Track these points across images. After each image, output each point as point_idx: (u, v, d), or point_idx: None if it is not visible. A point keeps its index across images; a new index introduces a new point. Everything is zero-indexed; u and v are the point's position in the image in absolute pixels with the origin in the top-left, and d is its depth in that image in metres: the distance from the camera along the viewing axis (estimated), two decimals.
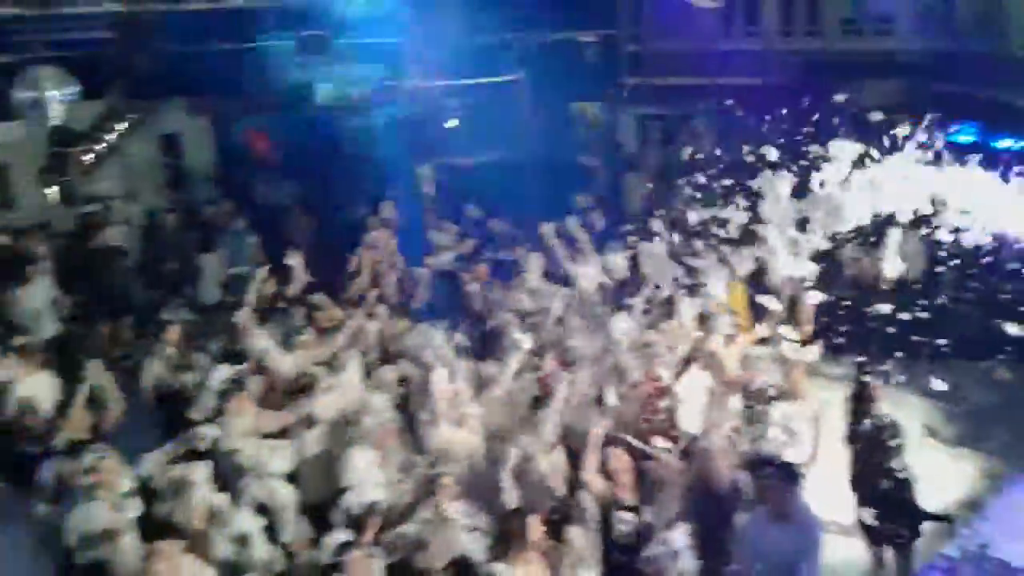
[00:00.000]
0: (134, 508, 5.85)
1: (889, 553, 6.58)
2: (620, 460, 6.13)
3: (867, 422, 6.64)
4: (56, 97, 11.30)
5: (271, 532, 6.03)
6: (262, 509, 6.10)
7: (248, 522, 5.82)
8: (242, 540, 5.64)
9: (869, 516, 6.51)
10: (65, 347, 8.85)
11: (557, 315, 8.36)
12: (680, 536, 5.34)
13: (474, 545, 5.67)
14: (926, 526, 6.52)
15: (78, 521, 5.70)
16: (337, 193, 14.02)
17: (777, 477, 5.50)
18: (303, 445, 6.79)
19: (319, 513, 6.34)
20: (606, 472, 6.11)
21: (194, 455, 6.29)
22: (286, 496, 6.27)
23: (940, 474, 7.68)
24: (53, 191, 14.23)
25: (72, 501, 5.86)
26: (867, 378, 7.04)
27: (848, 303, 10.55)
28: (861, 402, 6.82)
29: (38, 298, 9.92)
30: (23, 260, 10.31)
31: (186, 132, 15.95)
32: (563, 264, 9.46)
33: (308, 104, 15.82)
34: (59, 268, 10.57)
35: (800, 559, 5.37)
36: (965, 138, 14.90)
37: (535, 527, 5.53)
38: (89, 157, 14.39)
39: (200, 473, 5.86)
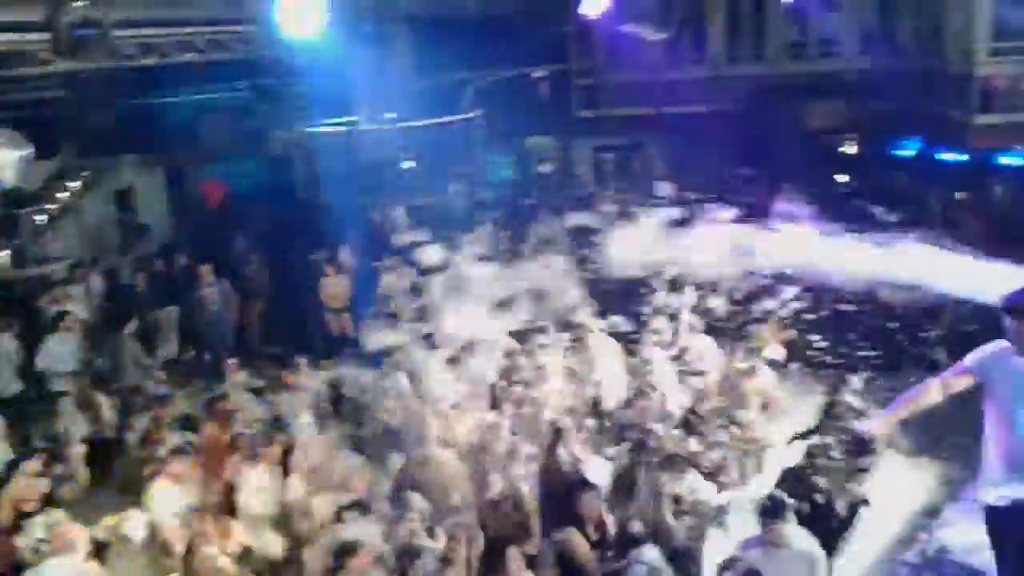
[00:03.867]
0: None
1: None
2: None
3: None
4: (11, 160, 11.05)
5: None
6: None
7: None
8: None
9: None
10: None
11: None
12: (655, 553, 5.38)
13: None
14: None
15: None
16: (293, 240, 14.01)
17: (766, 510, 5.50)
18: None
19: None
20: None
21: None
22: None
23: (900, 483, 7.77)
24: (4, 254, 14.08)
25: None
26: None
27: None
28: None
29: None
30: None
31: (140, 187, 15.94)
32: None
33: (262, 153, 15.88)
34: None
35: None
36: (908, 152, 15.30)
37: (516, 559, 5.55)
38: (41, 218, 14.27)
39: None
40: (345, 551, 5.37)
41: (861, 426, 4.94)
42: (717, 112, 16.52)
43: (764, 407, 8.41)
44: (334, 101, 15.32)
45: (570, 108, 18.42)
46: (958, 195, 15.04)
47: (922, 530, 6.54)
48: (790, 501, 5.63)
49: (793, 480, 6.71)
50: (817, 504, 6.63)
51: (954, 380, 4.65)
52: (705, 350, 9.40)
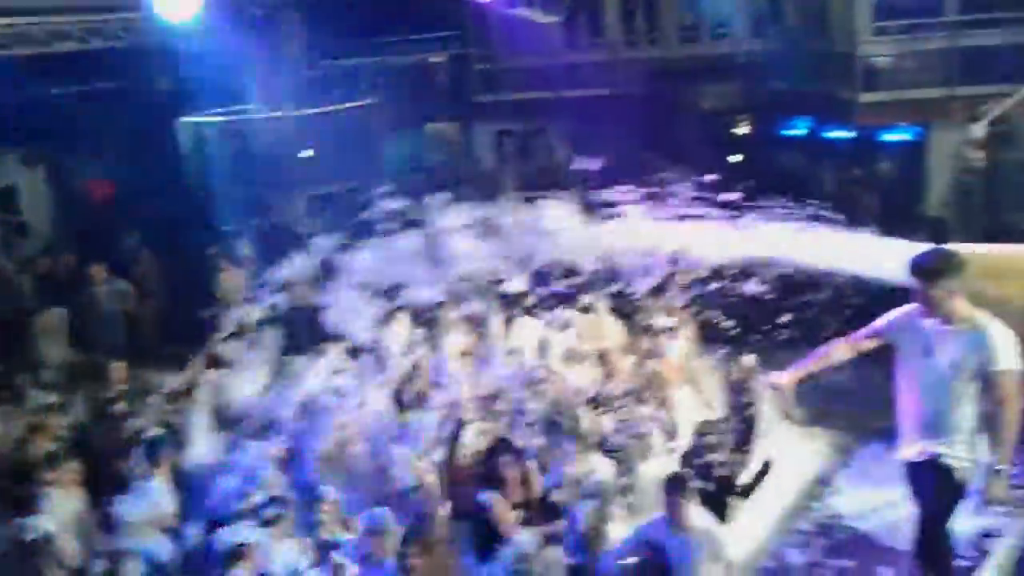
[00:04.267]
0: None
1: None
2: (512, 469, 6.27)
3: None
4: None
5: None
6: None
7: None
8: None
9: None
10: None
11: None
12: (527, 537, 5.43)
13: None
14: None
15: None
16: (187, 235, 13.59)
17: (669, 489, 5.57)
18: None
19: None
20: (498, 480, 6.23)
21: None
22: None
23: (794, 453, 8.04)
24: None
25: None
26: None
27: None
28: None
29: None
30: None
31: (22, 184, 15.22)
32: None
33: (150, 145, 15.31)
34: None
35: (697, 567, 5.48)
36: (799, 131, 15.76)
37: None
38: None
39: None
40: (234, 556, 5.25)
41: (770, 377, 5.04)
42: (615, 95, 16.68)
43: (676, 383, 8.55)
44: (226, 89, 14.91)
45: (469, 93, 18.35)
46: (846, 172, 15.55)
47: (814, 499, 6.76)
48: (692, 480, 5.75)
49: (691, 458, 6.88)
50: (720, 478, 6.83)
51: (864, 340, 4.83)
52: (609, 331, 9.51)
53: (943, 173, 13.84)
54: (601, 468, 6.77)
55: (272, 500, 6.11)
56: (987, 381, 4.37)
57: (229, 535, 5.53)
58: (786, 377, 4.91)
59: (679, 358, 8.83)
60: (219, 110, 14.58)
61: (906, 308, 4.67)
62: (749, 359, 7.97)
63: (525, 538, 5.48)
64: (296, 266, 11.03)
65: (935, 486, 4.64)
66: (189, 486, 6.87)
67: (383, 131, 16.08)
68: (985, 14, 13.02)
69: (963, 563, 4.88)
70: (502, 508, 6.14)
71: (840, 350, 4.88)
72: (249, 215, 13.97)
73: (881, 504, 6.35)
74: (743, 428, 7.70)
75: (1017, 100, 10.22)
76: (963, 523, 4.81)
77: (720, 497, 7.02)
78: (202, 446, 7.05)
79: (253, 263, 12.97)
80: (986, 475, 4.42)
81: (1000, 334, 4.40)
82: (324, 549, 5.94)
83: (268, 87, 15.12)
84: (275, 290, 10.10)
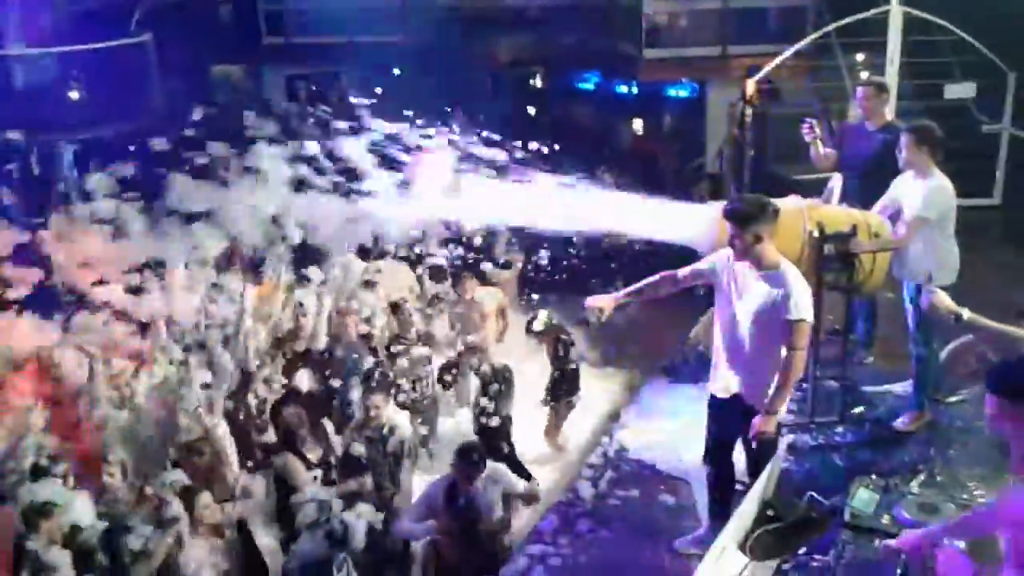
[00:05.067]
0: None
1: None
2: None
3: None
4: None
5: None
6: None
7: None
8: None
9: None
10: None
11: None
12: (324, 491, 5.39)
13: None
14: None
15: None
16: None
17: (461, 457, 5.58)
18: None
19: None
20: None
21: None
22: None
23: (590, 393, 8.39)
24: None
25: None
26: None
27: None
28: None
29: None
30: None
31: None
32: None
33: None
34: None
35: (478, 522, 5.58)
36: (588, 85, 16.21)
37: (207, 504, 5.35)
38: None
39: None
40: (38, 512, 4.88)
41: (591, 300, 5.14)
42: (409, 43, 16.41)
43: (482, 334, 8.59)
44: None
45: (257, 34, 17.42)
46: (632, 126, 16.20)
47: (605, 434, 7.06)
48: (482, 449, 5.87)
49: (480, 409, 7.16)
50: (489, 427, 7.21)
51: (687, 277, 5.01)
52: (407, 280, 9.42)
53: (719, 128, 14.71)
54: (401, 419, 6.74)
55: (51, 460, 5.71)
56: (781, 328, 4.61)
57: (27, 494, 5.12)
58: (607, 300, 5.05)
59: (488, 309, 8.88)
60: None
61: (727, 251, 4.87)
62: (544, 313, 8.13)
63: (319, 489, 5.40)
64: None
65: (738, 422, 4.93)
66: None
67: (160, 71, 15.00)
68: None
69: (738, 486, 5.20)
70: (294, 465, 6.06)
71: (665, 283, 5.06)
72: (3, 161, 12.67)
73: (664, 437, 6.72)
74: (564, 379, 7.96)
75: (783, 59, 10.94)
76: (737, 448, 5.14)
77: (505, 441, 7.29)
78: None
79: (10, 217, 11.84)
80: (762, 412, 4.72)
81: (798, 284, 4.62)
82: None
83: (26, 18, 13.68)
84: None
